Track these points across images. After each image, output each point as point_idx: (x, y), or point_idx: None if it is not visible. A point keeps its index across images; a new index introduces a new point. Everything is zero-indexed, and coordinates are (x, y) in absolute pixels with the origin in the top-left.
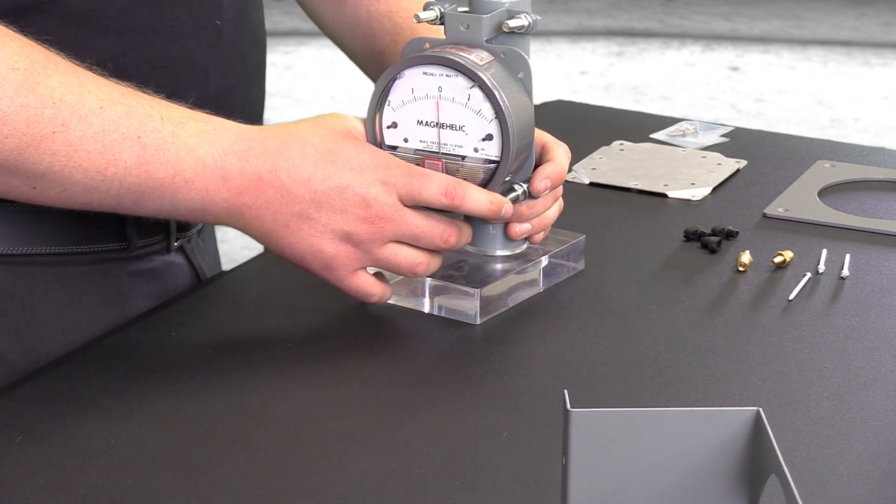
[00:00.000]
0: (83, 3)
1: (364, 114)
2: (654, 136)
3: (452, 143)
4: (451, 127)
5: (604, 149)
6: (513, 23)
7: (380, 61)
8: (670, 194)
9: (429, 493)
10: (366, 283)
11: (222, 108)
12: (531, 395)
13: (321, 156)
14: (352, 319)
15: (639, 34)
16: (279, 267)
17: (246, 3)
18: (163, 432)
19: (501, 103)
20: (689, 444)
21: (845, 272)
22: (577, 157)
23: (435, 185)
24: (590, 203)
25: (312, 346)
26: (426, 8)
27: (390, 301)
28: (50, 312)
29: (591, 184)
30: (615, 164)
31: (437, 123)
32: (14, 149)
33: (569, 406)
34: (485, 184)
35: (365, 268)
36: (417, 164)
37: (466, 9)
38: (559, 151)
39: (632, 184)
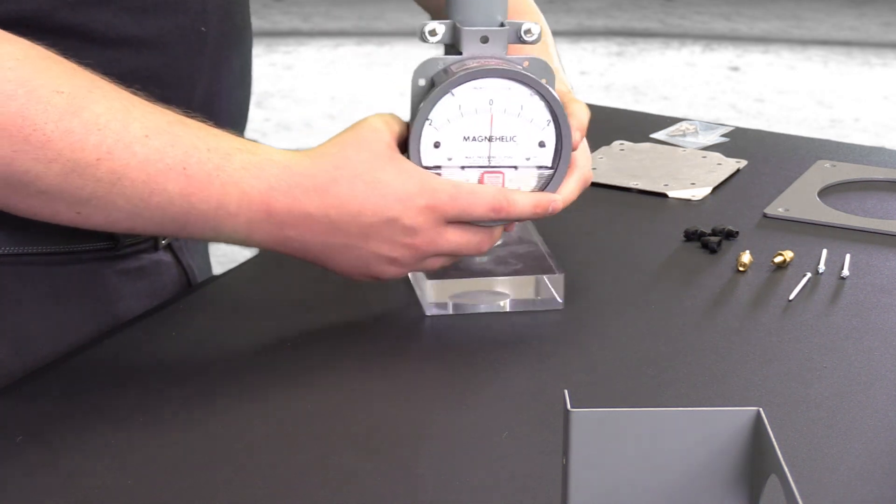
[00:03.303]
0: (70, 17)
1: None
2: (654, 136)
3: (503, 154)
4: (502, 139)
5: (604, 149)
6: (528, 37)
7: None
8: (670, 194)
9: (429, 492)
10: (434, 263)
11: (209, 112)
12: (531, 395)
13: (370, 189)
14: (351, 320)
15: (639, 34)
16: (277, 268)
17: (230, 6)
18: (163, 432)
19: (558, 110)
20: (689, 444)
21: (845, 272)
22: None
23: (483, 204)
24: (590, 203)
25: (311, 346)
26: (430, 29)
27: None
28: (38, 312)
29: (592, 184)
30: (615, 164)
31: (488, 137)
32: (59, 174)
33: (569, 406)
34: (540, 190)
35: None
36: (469, 179)
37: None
38: (575, 107)
39: (632, 184)
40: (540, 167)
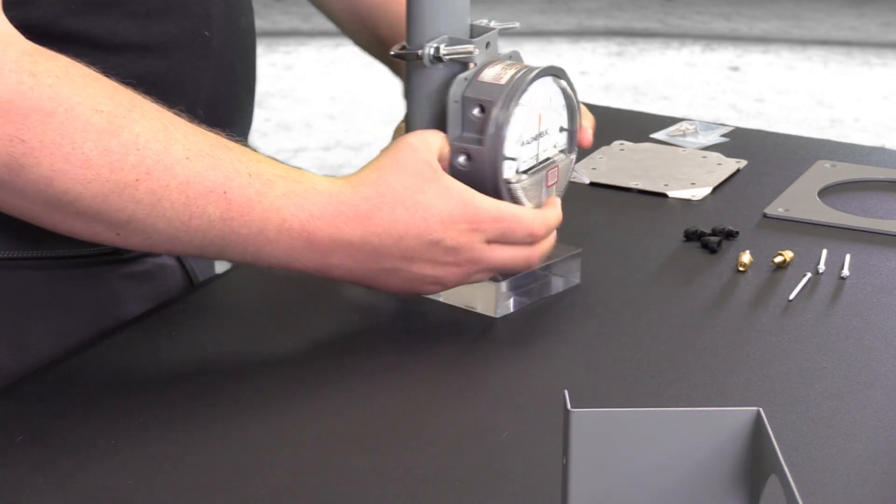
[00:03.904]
0: (74, 23)
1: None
2: (654, 136)
3: (543, 148)
4: (543, 133)
5: (604, 149)
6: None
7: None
8: (670, 194)
9: (429, 493)
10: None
11: (213, 117)
12: (531, 395)
13: (410, 213)
14: (350, 320)
15: (639, 34)
16: (275, 271)
17: (234, 10)
18: (163, 432)
19: (574, 93)
20: (689, 444)
21: (845, 272)
22: (577, 157)
23: (523, 229)
24: (590, 203)
25: (311, 346)
26: (435, 51)
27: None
28: (40, 316)
29: (591, 184)
30: (615, 164)
31: (537, 135)
32: (98, 194)
33: (569, 406)
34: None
35: None
36: (537, 183)
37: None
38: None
39: (632, 184)
40: (562, 150)
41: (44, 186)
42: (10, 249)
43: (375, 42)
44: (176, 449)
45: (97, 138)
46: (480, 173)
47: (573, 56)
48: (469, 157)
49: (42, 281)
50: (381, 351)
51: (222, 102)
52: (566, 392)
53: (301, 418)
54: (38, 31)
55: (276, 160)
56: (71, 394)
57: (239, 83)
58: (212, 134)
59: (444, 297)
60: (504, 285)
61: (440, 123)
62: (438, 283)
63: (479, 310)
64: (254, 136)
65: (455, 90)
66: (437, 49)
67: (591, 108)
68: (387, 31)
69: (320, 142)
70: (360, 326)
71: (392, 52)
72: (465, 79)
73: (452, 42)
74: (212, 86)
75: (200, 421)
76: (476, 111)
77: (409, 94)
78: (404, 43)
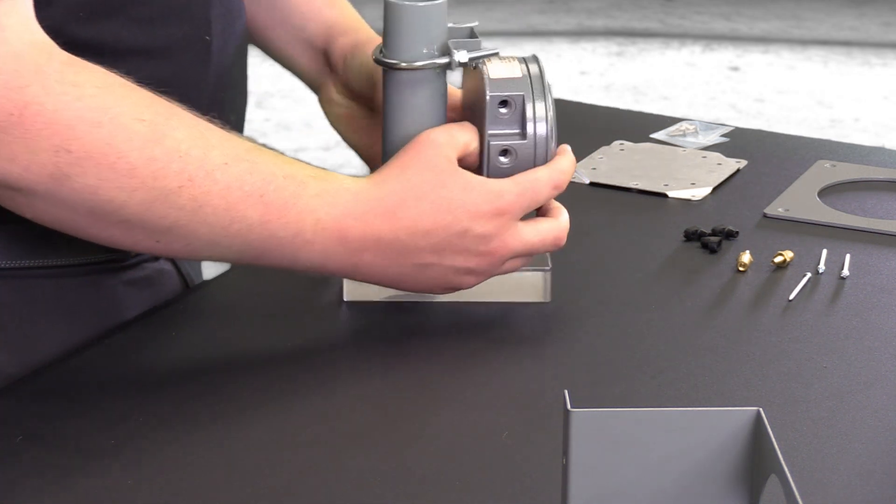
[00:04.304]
0: (80, 30)
1: None
2: (654, 136)
3: None
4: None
5: (604, 149)
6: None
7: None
8: (670, 194)
9: (429, 493)
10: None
11: (211, 120)
12: (531, 395)
13: (436, 207)
14: (349, 321)
15: (639, 34)
16: (275, 270)
17: (231, 14)
18: (162, 432)
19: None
20: (689, 444)
21: (845, 272)
22: (577, 157)
23: (545, 188)
24: (590, 203)
25: (311, 346)
26: (461, 58)
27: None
28: (47, 325)
29: (591, 184)
30: (615, 164)
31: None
32: (142, 202)
33: (569, 406)
34: None
35: None
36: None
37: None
38: None
39: (632, 184)
40: None
41: (89, 196)
42: (19, 258)
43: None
44: (176, 449)
45: (142, 147)
46: (526, 166)
47: (573, 56)
48: (510, 153)
49: (51, 289)
50: (381, 351)
51: (222, 105)
52: (566, 392)
53: (301, 418)
54: None
55: (304, 161)
56: (71, 394)
57: (235, 86)
58: (245, 139)
59: (488, 295)
60: (550, 262)
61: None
62: (472, 274)
63: (531, 298)
64: (254, 137)
65: (488, 90)
66: (463, 54)
67: (591, 108)
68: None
69: (320, 142)
70: (360, 326)
71: (404, 64)
72: (492, 79)
73: (467, 46)
74: (212, 89)
75: (200, 421)
76: (503, 109)
77: (403, 104)
78: (380, 51)
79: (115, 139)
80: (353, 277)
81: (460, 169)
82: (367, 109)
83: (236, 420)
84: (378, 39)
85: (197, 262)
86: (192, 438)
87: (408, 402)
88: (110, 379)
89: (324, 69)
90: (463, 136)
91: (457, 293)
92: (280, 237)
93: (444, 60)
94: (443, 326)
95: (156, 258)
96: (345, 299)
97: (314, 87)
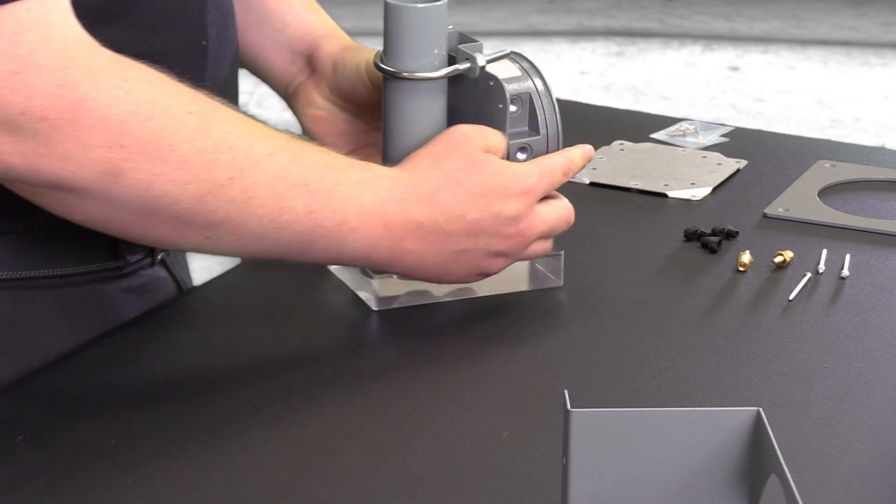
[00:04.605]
0: None
1: None
2: (654, 136)
3: None
4: None
5: (604, 149)
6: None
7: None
8: (670, 194)
9: (429, 493)
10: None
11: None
12: (531, 395)
13: (469, 192)
14: (349, 321)
15: (639, 34)
16: (275, 271)
17: (225, 20)
18: (163, 432)
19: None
20: (689, 444)
21: (845, 272)
22: None
23: (559, 173)
24: (590, 203)
25: (311, 346)
26: (484, 62)
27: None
28: (48, 336)
29: (591, 184)
30: (615, 164)
31: None
32: (194, 196)
33: (569, 406)
34: None
35: None
36: None
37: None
38: None
39: (632, 184)
40: None
41: (141, 192)
42: (21, 269)
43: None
44: (176, 449)
45: (192, 139)
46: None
47: (573, 56)
48: (526, 150)
49: (53, 299)
50: (380, 351)
51: None
52: (566, 392)
53: (301, 418)
54: None
55: (338, 153)
56: (71, 394)
57: (228, 90)
58: (283, 131)
59: (509, 286)
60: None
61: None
62: (502, 256)
63: (547, 284)
64: None
65: (508, 91)
66: (481, 58)
67: (591, 108)
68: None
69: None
70: (360, 327)
71: (426, 75)
72: (503, 79)
73: (475, 49)
74: (209, 93)
75: (200, 421)
76: (513, 107)
77: (410, 112)
78: (381, 58)
79: (166, 132)
80: (392, 269)
81: (489, 155)
82: (350, 114)
83: (236, 420)
84: (360, 47)
85: (183, 266)
86: (192, 438)
87: (408, 402)
88: (110, 379)
89: (301, 73)
90: (495, 139)
91: (482, 286)
92: (326, 226)
93: (466, 66)
94: (442, 326)
95: (151, 265)
96: (375, 305)
97: (287, 90)
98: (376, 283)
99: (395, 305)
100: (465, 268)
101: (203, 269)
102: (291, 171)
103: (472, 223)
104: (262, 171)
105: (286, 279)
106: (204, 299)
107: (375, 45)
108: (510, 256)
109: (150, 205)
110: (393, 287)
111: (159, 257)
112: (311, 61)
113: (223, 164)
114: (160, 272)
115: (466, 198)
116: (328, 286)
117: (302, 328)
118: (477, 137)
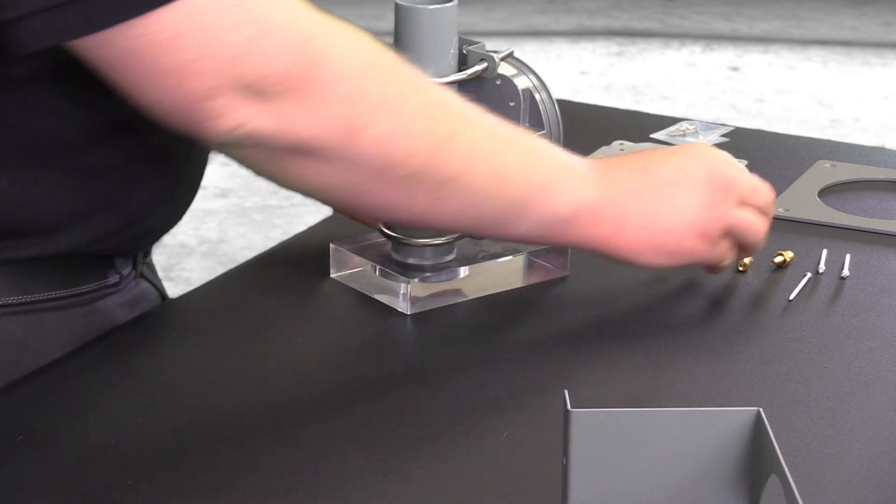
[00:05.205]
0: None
1: None
2: (654, 136)
3: None
4: None
5: (604, 149)
6: None
7: None
8: None
9: (429, 492)
10: (723, 249)
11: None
12: (531, 395)
13: (683, 157)
14: (348, 322)
15: (639, 34)
16: (275, 271)
17: None
18: (163, 432)
19: None
20: (689, 444)
21: (845, 272)
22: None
23: (768, 200)
24: None
25: (311, 346)
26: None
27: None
28: (53, 357)
29: None
30: None
31: None
32: (426, 151)
33: (569, 406)
34: None
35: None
36: None
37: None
38: None
39: None
40: None
41: (380, 149)
42: (21, 294)
43: None
44: (176, 449)
45: (417, 91)
46: None
47: (573, 56)
48: None
49: (61, 321)
50: (380, 352)
51: None
52: (566, 392)
53: (301, 418)
54: (50, 75)
55: None
56: (71, 394)
57: None
58: None
59: (516, 280)
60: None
61: None
62: (703, 239)
63: (552, 276)
64: None
65: (521, 89)
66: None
67: (591, 108)
68: None
69: None
70: (360, 327)
71: (443, 79)
72: (508, 76)
73: (482, 49)
74: None
75: (200, 421)
76: (513, 104)
77: None
78: None
79: (396, 86)
80: (602, 230)
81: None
82: None
83: (236, 419)
84: None
85: (161, 282)
86: (192, 438)
87: (407, 403)
88: (110, 379)
89: None
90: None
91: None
92: (538, 182)
93: (483, 66)
94: (442, 326)
95: (135, 276)
96: (408, 309)
97: None
98: (410, 285)
99: (425, 308)
100: (670, 222)
101: (203, 269)
102: (499, 130)
103: (679, 164)
104: (479, 124)
105: (286, 278)
106: (206, 299)
107: None
108: (708, 237)
109: (386, 162)
110: (425, 288)
111: (140, 269)
112: None
113: (445, 116)
114: (143, 284)
115: (678, 162)
116: (329, 290)
117: (301, 328)
118: (719, 155)
